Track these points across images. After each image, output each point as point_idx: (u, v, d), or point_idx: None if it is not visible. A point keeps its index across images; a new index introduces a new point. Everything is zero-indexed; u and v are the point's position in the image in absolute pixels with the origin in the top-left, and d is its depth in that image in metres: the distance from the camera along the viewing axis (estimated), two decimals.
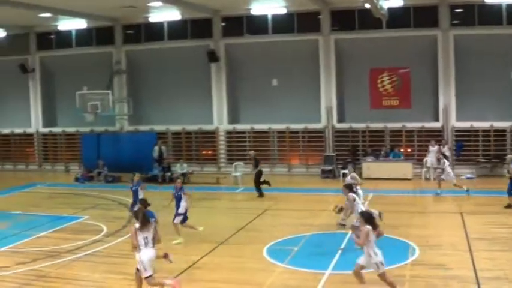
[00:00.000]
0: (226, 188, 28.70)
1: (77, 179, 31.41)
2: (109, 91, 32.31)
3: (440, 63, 29.26)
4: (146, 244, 12.21)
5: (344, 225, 18.59)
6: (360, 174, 24.59)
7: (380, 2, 23.82)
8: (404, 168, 28.42)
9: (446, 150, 27.16)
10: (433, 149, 27.98)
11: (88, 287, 14.49)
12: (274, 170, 31.17)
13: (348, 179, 19.83)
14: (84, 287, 14.52)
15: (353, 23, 30.02)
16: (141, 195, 19.07)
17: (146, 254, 12.13)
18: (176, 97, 33.53)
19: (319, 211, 21.94)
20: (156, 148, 31.25)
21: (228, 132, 33.06)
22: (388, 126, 30.15)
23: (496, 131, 28.99)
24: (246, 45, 32.14)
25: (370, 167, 28.51)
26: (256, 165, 25.87)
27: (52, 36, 36.13)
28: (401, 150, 29.84)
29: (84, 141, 34.63)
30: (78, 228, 20.38)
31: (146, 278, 12.14)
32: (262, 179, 25.54)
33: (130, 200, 24.20)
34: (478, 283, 13.15)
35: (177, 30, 33.00)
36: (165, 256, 12.88)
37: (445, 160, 24.26)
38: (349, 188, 17.23)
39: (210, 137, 33.44)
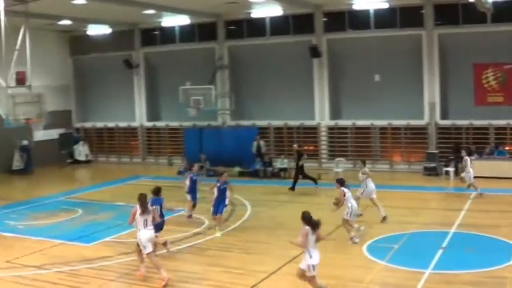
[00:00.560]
0: (327, 183, 29.36)
1: (179, 173, 33.87)
2: (212, 86, 35.00)
3: None
4: (145, 225, 15.57)
5: (361, 214, 21.08)
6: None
7: None
8: (509, 167, 28.78)
9: None
10: None
11: (188, 279, 15.78)
12: (376, 167, 32.05)
13: (360, 175, 21.92)
14: (184, 279, 15.75)
15: (457, 17, 30.53)
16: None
17: (144, 234, 15.52)
18: (278, 92, 35.73)
19: (420, 209, 23.12)
20: (255, 143, 33.69)
21: (330, 128, 34.86)
22: (493, 123, 30.71)
23: None
24: (348, 41, 33.68)
25: (474, 165, 27.94)
26: (299, 159, 28.10)
27: (156, 33, 39.60)
28: (506, 148, 30.27)
29: (187, 136, 37.81)
30: (180, 221, 21.98)
31: (147, 254, 15.52)
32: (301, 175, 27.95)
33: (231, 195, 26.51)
34: None
35: (278, 25, 35.08)
36: (165, 244, 16.79)
37: None
38: (340, 182, 19.06)
39: (311, 132, 35.31)
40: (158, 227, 17.33)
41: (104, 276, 16.18)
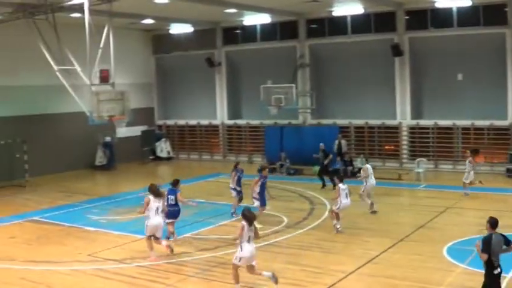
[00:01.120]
0: (408, 184, 31.15)
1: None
2: (293, 85, 36.73)
3: None
4: (156, 213, 18.34)
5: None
6: None
7: None
8: None
9: None
10: None
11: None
12: (457, 168, 32.80)
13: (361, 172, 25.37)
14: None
15: None
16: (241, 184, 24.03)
17: (152, 220, 18.29)
18: (359, 91, 37.09)
19: (503, 211, 22.76)
20: (336, 142, 34.97)
21: (411, 128, 35.78)
22: None
23: None
24: (430, 39, 34.41)
25: None
26: (325, 157, 30.61)
27: (238, 31, 41.79)
28: None
29: (268, 134, 39.82)
30: (259, 219, 22.55)
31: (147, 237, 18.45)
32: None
33: (311, 193, 28.02)
34: None
35: (360, 24, 36.28)
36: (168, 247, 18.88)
37: None
38: (340, 179, 21.84)
39: (392, 132, 36.42)
40: (173, 215, 20.04)
41: (184, 272, 17.30)
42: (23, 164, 34.35)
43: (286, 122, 39.30)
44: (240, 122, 42.57)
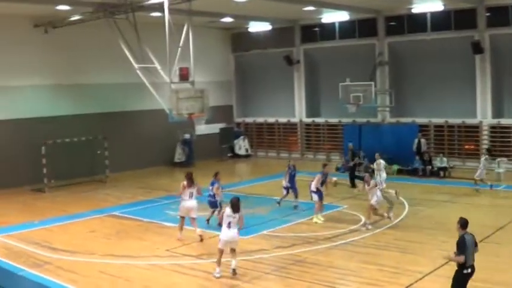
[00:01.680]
0: (488, 184, 30.34)
1: (337, 169, 35.70)
2: (371, 83, 36.62)
3: None
4: (190, 197, 20.89)
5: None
6: None
7: None
8: None
9: None
10: None
11: (343, 276, 16.66)
12: None
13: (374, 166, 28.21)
14: (339, 275, 16.68)
15: None
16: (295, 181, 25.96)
17: (186, 203, 20.90)
18: (438, 89, 36.71)
19: None
20: (416, 140, 34.83)
21: (492, 127, 35.19)
22: None
23: None
24: None
25: None
26: (353, 158, 31.27)
27: (316, 29, 42.01)
28: None
29: (346, 132, 39.73)
30: (337, 217, 23.59)
31: (192, 218, 20.90)
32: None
33: (389, 191, 27.92)
34: None
35: (439, 21, 35.81)
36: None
37: None
38: (370, 174, 23.19)
39: (472, 131, 35.85)
40: (210, 205, 22.77)
41: (260, 269, 17.45)
42: (104, 160, 35.37)
43: (364, 120, 39.30)
44: (318, 120, 42.73)
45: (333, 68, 40.90)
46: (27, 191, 32.12)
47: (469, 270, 13.01)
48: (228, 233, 16.70)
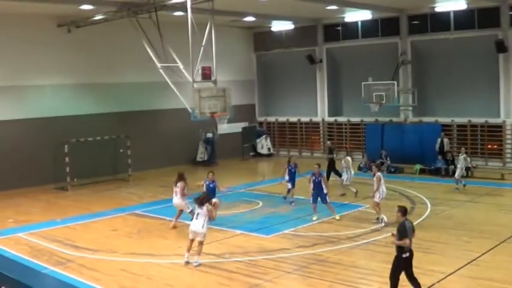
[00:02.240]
0: (511, 184, 30.56)
1: (360, 168, 35.62)
2: (394, 82, 36.55)
3: None
4: (175, 195, 23.04)
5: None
6: None
7: None
8: None
9: None
10: None
11: (365, 275, 16.59)
12: None
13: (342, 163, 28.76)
14: (360, 275, 16.65)
15: None
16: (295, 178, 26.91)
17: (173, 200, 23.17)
18: (462, 88, 36.59)
19: None
20: (439, 140, 34.72)
21: None
22: None
23: None
24: None
25: None
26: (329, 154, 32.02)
27: (338, 28, 42.02)
28: None
29: (368, 131, 39.87)
30: (358, 217, 23.66)
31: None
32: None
33: (411, 192, 28.02)
34: None
35: (462, 19, 35.65)
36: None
37: None
38: (377, 167, 23.71)
39: (496, 130, 35.62)
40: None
41: (282, 268, 17.47)
42: (127, 158, 35.64)
43: (387, 119, 39.27)
44: (340, 119, 42.72)
45: (355, 67, 40.99)
46: (50, 189, 32.50)
47: (408, 254, 14.02)
48: (193, 224, 18.43)
